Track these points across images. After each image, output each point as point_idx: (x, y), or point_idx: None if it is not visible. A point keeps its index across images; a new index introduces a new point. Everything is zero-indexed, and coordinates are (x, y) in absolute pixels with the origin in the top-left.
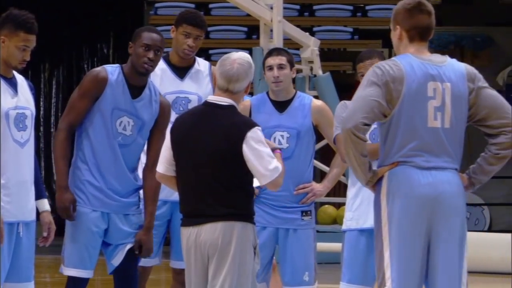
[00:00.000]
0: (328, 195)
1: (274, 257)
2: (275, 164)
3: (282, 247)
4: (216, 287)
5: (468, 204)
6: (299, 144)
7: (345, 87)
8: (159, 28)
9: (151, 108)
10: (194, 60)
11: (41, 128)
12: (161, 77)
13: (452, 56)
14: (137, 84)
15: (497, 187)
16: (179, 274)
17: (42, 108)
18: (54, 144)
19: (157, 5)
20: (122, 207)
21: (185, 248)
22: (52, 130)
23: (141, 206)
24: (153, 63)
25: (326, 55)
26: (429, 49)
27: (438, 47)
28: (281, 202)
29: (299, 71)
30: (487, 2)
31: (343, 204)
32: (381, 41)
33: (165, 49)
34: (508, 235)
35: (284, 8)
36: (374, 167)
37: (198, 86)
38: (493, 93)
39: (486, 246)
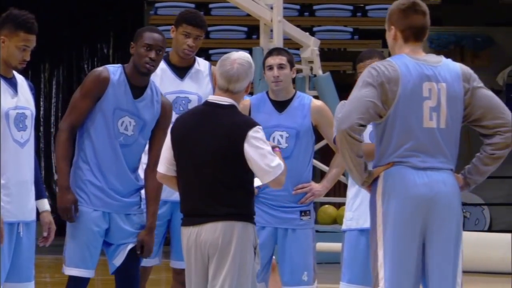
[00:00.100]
0: (328, 195)
1: (274, 257)
2: (278, 161)
3: (281, 247)
4: (216, 287)
5: (468, 204)
6: (298, 144)
7: (345, 87)
8: (159, 28)
9: (153, 108)
10: (194, 60)
11: (41, 128)
12: (161, 77)
13: (452, 56)
14: (139, 84)
15: (497, 187)
16: (179, 274)
17: (42, 108)
18: (56, 144)
19: (157, 5)
20: (124, 207)
21: (186, 248)
22: (52, 130)
23: (143, 206)
24: (155, 63)
25: (326, 55)
26: (429, 49)
27: (438, 47)
28: (280, 202)
29: (299, 71)
30: (487, 2)
31: (343, 204)
32: (381, 41)
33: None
34: (508, 235)
35: (284, 8)
36: (370, 168)
37: (198, 86)
38: (488, 93)
39: (486, 246)
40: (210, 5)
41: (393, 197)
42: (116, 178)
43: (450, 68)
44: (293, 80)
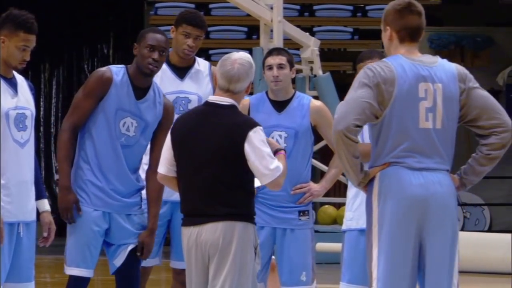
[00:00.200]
0: (328, 195)
1: (273, 257)
2: (276, 163)
3: (279, 247)
4: (217, 287)
5: (468, 204)
6: (297, 144)
7: (345, 87)
8: (159, 29)
9: (155, 110)
10: (194, 60)
11: (41, 128)
12: (161, 77)
13: (452, 56)
14: (141, 85)
15: (497, 187)
16: (179, 274)
17: (42, 108)
18: (57, 144)
19: (157, 5)
20: (124, 207)
21: (186, 248)
22: (52, 130)
23: (143, 207)
24: (158, 64)
25: (326, 55)
26: (429, 49)
27: (438, 47)
28: (279, 202)
29: (299, 71)
30: (487, 2)
31: (343, 204)
32: (381, 41)
33: None
34: (508, 235)
35: (284, 8)
36: (366, 168)
37: (198, 86)
38: (484, 93)
39: (486, 246)
40: (210, 5)
41: (389, 198)
42: (117, 178)
43: (446, 68)
44: (293, 80)
